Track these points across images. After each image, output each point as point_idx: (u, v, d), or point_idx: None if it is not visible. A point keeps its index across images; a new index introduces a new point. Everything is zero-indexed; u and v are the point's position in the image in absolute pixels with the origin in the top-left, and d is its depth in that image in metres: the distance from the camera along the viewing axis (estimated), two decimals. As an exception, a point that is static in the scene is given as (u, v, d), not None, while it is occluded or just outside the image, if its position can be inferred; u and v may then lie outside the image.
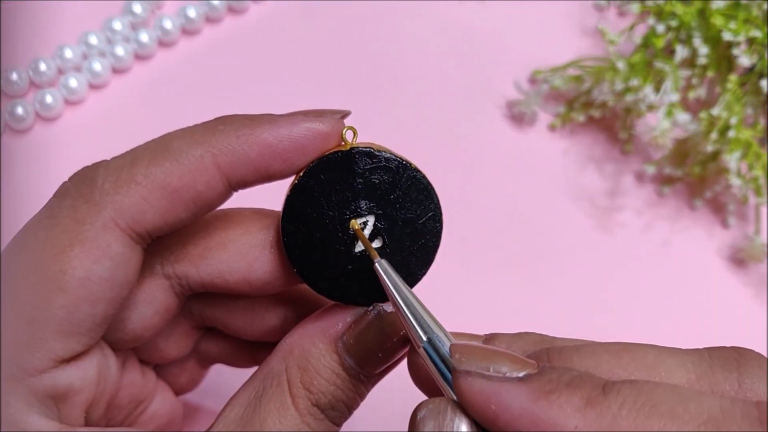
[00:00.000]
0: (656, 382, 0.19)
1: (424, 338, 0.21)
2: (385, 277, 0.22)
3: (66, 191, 0.23)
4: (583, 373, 0.19)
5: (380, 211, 0.24)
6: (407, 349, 0.24)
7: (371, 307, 0.24)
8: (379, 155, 0.23)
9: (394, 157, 0.24)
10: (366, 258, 0.24)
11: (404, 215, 0.24)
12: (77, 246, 0.22)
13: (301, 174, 0.24)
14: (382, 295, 0.24)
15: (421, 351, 0.21)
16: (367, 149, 0.23)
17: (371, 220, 0.24)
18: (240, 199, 0.25)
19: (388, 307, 0.24)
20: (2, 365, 0.21)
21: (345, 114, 0.24)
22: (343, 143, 0.24)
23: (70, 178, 0.23)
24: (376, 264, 0.23)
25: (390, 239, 0.24)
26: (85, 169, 0.23)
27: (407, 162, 0.24)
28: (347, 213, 0.24)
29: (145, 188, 0.22)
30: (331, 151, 0.24)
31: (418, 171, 0.24)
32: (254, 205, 0.26)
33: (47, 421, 0.22)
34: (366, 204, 0.24)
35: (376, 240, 0.24)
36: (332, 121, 0.24)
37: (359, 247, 0.24)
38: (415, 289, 0.24)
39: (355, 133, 0.24)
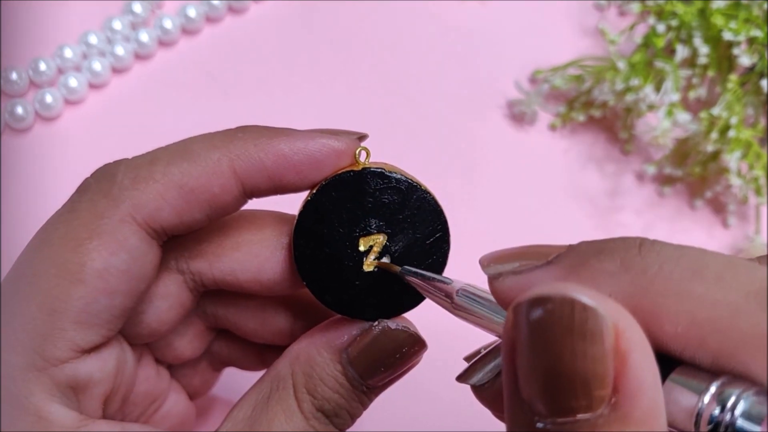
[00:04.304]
0: (702, 248, 0.16)
1: (457, 287, 0.22)
2: (414, 277, 0.23)
3: (87, 186, 0.24)
4: (617, 237, 0.17)
5: (389, 229, 0.24)
6: (410, 364, 0.25)
7: (376, 323, 0.25)
8: (390, 176, 0.24)
9: (404, 179, 0.24)
10: (373, 275, 0.24)
11: (413, 235, 0.24)
12: (96, 239, 0.22)
13: (314, 191, 0.24)
14: (387, 311, 0.25)
15: (458, 300, 0.22)
16: (379, 170, 0.24)
17: (380, 238, 0.24)
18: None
19: (393, 324, 0.24)
20: (25, 355, 0.22)
21: (362, 136, 0.25)
22: (356, 163, 0.25)
23: (92, 174, 0.24)
24: (400, 272, 0.24)
25: (398, 257, 0.24)
26: (107, 165, 0.24)
27: (417, 183, 0.24)
28: (357, 230, 0.24)
29: (162, 186, 0.23)
30: (344, 170, 0.24)
31: (428, 192, 0.25)
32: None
33: (68, 411, 0.23)
34: (375, 222, 0.24)
35: (384, 257, 0.25)
36: (347, 140, 0.24)
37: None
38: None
39: (368, 154, 0.24)
